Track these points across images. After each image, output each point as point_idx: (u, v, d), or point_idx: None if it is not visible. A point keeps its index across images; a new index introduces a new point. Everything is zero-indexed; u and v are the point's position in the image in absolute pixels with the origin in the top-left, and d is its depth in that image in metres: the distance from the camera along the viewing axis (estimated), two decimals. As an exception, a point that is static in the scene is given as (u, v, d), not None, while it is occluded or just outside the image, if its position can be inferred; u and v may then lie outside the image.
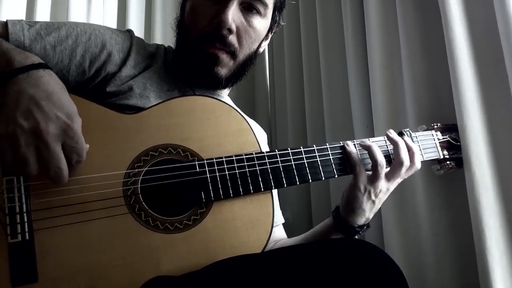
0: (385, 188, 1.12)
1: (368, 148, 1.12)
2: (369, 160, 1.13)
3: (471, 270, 1.28)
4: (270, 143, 2.13)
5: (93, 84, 1.09)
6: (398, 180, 1.15)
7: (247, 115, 1.39)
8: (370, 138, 1.19)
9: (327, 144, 1.13)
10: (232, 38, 1.14)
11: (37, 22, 1.07)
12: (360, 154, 1.14)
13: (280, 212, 1.41)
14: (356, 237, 1.16)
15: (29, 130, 0.80)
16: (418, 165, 1.15)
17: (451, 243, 1.36)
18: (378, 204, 1.14)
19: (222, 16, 1.10)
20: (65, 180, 0.84)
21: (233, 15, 1.12)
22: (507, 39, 1.19)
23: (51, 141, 0.82)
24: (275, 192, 1.24)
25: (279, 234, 1.38)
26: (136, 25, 2.33)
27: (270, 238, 1.31)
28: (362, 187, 1.10)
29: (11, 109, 0.81)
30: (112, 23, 2.28)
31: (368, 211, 1.13)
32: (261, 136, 1.44)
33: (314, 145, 1.11)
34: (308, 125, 1.98)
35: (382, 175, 1.11)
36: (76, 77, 1.07)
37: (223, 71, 1.17)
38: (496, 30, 1.24)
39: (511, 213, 1.23)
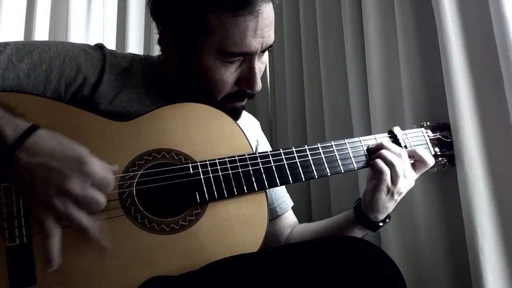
0: (406, 185, 1.15)
1: (378, 155, 1.15)
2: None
3: (466, 268, 1.29)
4: (270, 143, 2.13)
5: None
6: (416, 176, 1.20)
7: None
8: (376, 136, 1.22)
9: (331, 142, 1.16)
10: None
11: (7, 44, 1.04)
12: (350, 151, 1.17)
13: (288, 195, 1.44)
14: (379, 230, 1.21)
15: (57, 192, 0.81)
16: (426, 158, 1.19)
17: (448, 241, 1.37)
18: (399, 200, 1.17)
19: (255, 85, 1.11)
20: None
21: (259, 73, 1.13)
22: (502, 40, 1.19)
23: (80, 191, 0.82)
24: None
25: (291, 219, 1.41)
26: (136, 25, 2.34)
27: (284, 224, 1.36)
28: (386, 189, 1.12)
29: (31, 183, 0.82)
30: (112, 23, 2.29)
31: (390, 208, 1.17)
32: (254, 125, 1.47)
33: (306, 145, 1.13)
34: (308, 124, 1.99)
35: (401, 173, 1.13)
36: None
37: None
38: (491, 30, 1.23)
39: (503, 213, 1.24)
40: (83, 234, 0.84)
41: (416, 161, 1.19)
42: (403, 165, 1.14)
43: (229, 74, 1.09)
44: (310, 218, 1.88)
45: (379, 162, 1.13)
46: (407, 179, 1.14)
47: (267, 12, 1.06)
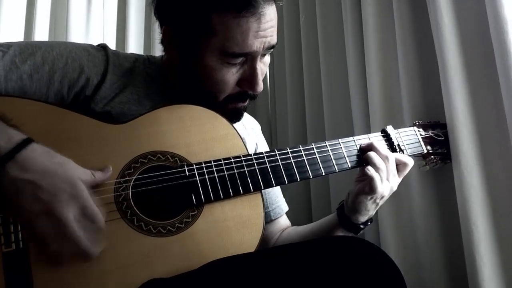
0: (388, 189, 1.14)
1: (366, 157, 1.14)
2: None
3: (464, 267, 1.29)
4: (270, 143, 2.14)
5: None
6: (399, 180, 1.18)
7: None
8: (369, 135, 1.22)
9: (326, 142, 1.16)
10: None
11: (10, 45, 1.05)
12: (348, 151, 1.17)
13: (284, 200, 1.44)
14: (361, 232, 1.20)
15: (43, 212, 0.81)
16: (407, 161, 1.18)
17: (447, 240, 1.38)
18: (380, 204, 1.18)
19: (256, 86, 1.11)
20: (96, 251, 0.87)
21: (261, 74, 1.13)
22: (498, 40, 1.19)
23: (65, 215, 0.82)
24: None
25: (284, 223, 1.41)
26: (136, 25, 2.34)
27: (276, 229, 1.36)
28: (369, 194, 1.12)
29: (16, 199, 0.82)
30: (112, 23, 2.29)
31: (371, 211, 1.18)
32: (254, 127, 1.47)
33: (300, 146, 1.13)
34: (308, 124, 1.99)
35: (384, 177, 1.13)
36: (55, 103, 1.04)
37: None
38: (487, 30, 1.23)
39: (498, 213, 1.24)
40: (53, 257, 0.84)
41: (397, 164, 1.17)
42: (388, 168, 1.14)
43: (231, 74, 1.09)
44: (310, 219, 1.89)
45: (371, 169, 1.12)
46: (390, 183, 1.14)
47: (270, 13, 1.06)
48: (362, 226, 1.18)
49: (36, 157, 0.85)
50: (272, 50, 1.13)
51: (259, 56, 1.09)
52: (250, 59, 1.09)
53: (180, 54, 1.13)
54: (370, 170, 1.12)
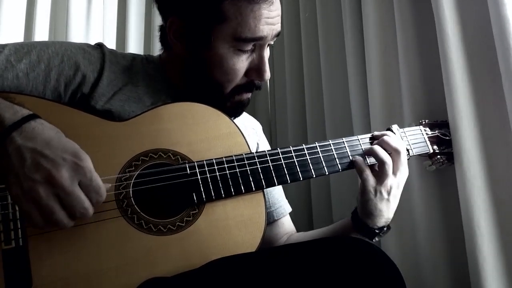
0: (395, 183, 1.13)
1: (371, 151, 1.13)
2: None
3: (465, 268, 1.29)
4: (270, 143, 2.12)
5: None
6: (405, 172, 1.16)
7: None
8: (374, 133, 1.21)
9: (329, 141, 1.15)
10: None
11: (5, 46, 1.05)
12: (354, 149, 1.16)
13: (286, 201, 1.42)
14: (376, 239, 1.16)
15: (44, 180, 0.80)
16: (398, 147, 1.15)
17: (447, 240, 1.37)
18: (394, 202, 1.14)
19: (265, 74, 1.13)
20: None
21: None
22: (500, 38, 1.18)
23: (68, 184, 0.81)
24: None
25: (288, 225, 1.39)
26: (136, 25, 2.34)
27: (281, 231, 1.35)
28: (372, 190, 1.11)
29: (18, 167, 0.80)
30: (112, 23, 2.29)
31: (385, 211, 1.13)
32: (256, 127, 1.46)
33: (303, 144, 1.13)
34: (308, 124, 1.99)
35: (390, 172, 1.11)
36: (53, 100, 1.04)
37: None
38: (489, 29, 1.23)
39: (501, 212, 1.23)
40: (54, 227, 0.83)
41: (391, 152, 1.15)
42: (396, 161, 1.12)
43: (241, 62, 1.11)
44: (311, 222, 1.88)
45: (358, 161, 1.12)
46: (397, 178, 1.12)
47: (277, 1, 1.09)
48: (377, 231, 1.14)
49: (43, 129, 0.85)
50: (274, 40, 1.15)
51: (266, 45, 1.12)
52: (258, 47, 1.11)
53: (188, 45, 1.13)
54: (362, 165, 1.12)
